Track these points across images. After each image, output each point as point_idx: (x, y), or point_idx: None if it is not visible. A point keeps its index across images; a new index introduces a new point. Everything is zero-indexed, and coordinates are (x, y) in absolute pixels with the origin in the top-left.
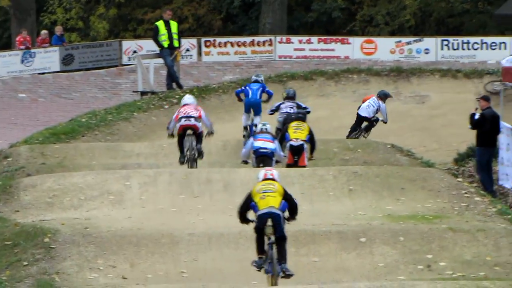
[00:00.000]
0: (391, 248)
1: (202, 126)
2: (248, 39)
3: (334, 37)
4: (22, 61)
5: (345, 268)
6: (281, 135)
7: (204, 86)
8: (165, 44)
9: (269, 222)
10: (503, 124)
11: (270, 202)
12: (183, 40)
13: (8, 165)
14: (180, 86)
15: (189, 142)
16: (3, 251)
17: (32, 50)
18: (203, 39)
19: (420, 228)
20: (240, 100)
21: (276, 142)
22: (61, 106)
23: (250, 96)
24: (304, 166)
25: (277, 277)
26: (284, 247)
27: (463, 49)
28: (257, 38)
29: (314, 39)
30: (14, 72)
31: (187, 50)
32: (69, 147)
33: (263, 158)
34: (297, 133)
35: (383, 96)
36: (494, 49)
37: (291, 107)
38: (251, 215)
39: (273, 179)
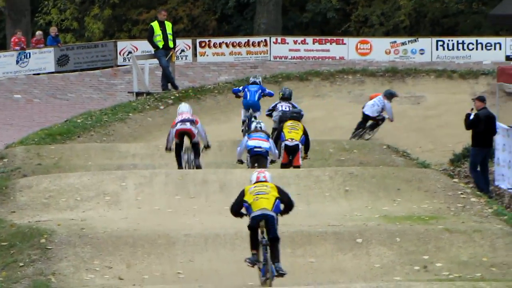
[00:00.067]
0: (388, 249)
1: (198, 136)
2: (243, 40)
3: (329, 38)
4: (17, 62)
5: (341, 269)
6: (276, 134)
7: (200, 87)
8: (160, 44)
9: (262, 223)
10: (499, 124)
11: (264, 204)
12: (178, 41)
13: (4, 166)
14: (175, 87)
15: (187, 155)
16: None
17: (27, 51)
18: (198, 40)
19: (416, 229)
20: (237, 96)
21: (271, 141)
22: (57, 107)
23: (248, 98)
24: (299, 166)
25: (271, 277)
26: (277, 247)
27: (458, 49)
28: (252, 39)
29: (309, 39)
30: (9, 73)
31: (182, 50)
32: (65, 148)
33: (257, 158)
34: (292, 133)
35: (389, 96)
36: (489, 49)
37: (287, 107)
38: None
39: (265, 181)
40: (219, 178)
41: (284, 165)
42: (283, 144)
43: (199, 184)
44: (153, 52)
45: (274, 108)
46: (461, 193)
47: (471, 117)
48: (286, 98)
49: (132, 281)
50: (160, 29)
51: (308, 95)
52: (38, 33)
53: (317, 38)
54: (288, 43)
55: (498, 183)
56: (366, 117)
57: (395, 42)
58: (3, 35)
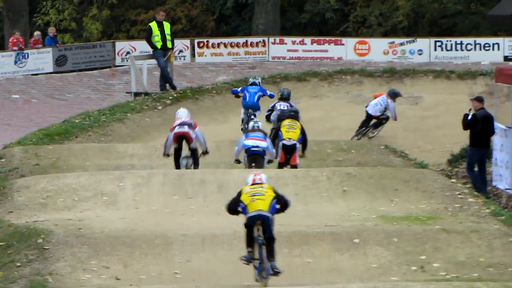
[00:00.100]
0: (385, 249)
1: (197, 142)
2: (241, 40)
3: (327, 38)
4: (15, 62)
5: (338, 269)
6: (274, 133)
7: (198, 87)
8: (158, 45)
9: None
10: (497, 125)
11: (260, 205)
12: (176, 41)
13: (2, 166)
14: (173, 87)
15: (186, 161)
16: None
17: (25, 51)
18: (196, 40)
19: (413, 229)
20: (236, 96)
21: (268, 140)
22: (55, 107)
23: (247, 99)
24: (296, 165)
25: (267, 275)
26: (273, 247)
27: (457, 50)
28: (250, 39)
29: (307, 40)
30: (7, 73)
31: (180, 51)
32: (63, 148)
33: (254, 157)
34: (290, 133)
35: (393, 95)
36: (487, 50)
37: (285, 107)
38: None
39: (261, 183)
40: (217, 178)
41: (281, 164)
42: (280, 144)
43: (197, 184)
44: (151, 53)
45: (273, 108)
46: (459, 194)
47: (469, 117)
48: (284, 98)
49: (129, 281)
50: (159, 30)
51: (306, 96)
52: (36, 33)
53: (315, 38)
54: (286, 44)
55: (496, 183)
56: (369, 116)
57: (393, 42)
58: (1, 36)
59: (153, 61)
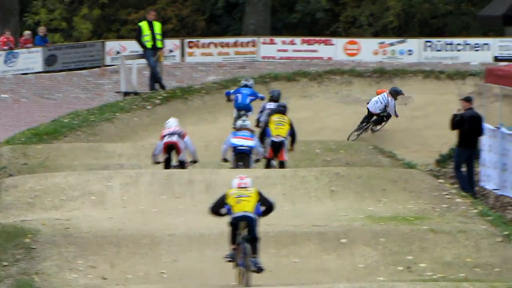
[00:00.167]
0: (372, 249)
1: (186, 152)
2: (231, 40)
3: (317, 38)
4: (5, 62)
5: (325, 269)
6: (262, 129)
7: (187, 87)
8: (148, 44)
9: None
10: (486, 125)
11: (245, 206)
12: (167, 41)
13: None
14: (163, 87)
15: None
16: None
17: (15, 51)
18: (186, 40)
19: (401, 229)
20: (229, 100)
21: (256, 138)
22: (44, 106)
23: (239, 101)
24: (283, 161)
25: (249, 271)
26: (257, 245)
27: (446, 50)
28: (240, 39)
29: (298, 40)
30: None
31: (170, 50)
32: (51, 147)
33: (241, 155)
34: (278, 129)
35: (394, 93)
36: (477, 50)
37: (275, 107)
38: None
39: (246, 187)
40: (205, 178)
41: (268, 160)
42: (269, 140)
43: (184, 184)
44: (141, 52)
45: (263, 110)
46: (446, 194)
47: (456, 117)
48: (274, 100)
49: (115, 281)
50: (149, 29)
51: (296, 96)
52: (27, 32)
53: (305, 38)
54: (276, 44)
55: (484, 184)
56: (370, 113)
57: (383, 42)
58: None
59: (143, 61)
